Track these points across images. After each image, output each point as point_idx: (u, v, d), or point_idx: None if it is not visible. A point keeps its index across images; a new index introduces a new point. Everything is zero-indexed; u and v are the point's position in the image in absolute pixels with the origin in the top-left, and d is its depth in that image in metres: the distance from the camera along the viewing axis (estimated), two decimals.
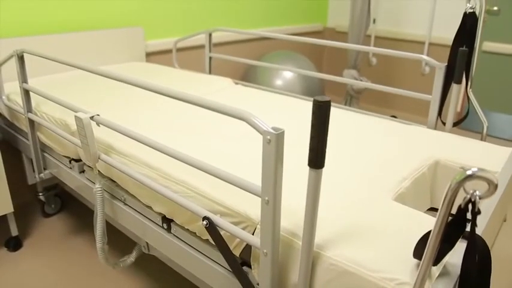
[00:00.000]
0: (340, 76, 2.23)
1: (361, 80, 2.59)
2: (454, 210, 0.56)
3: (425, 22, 2.81)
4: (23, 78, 1.32)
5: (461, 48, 1.17)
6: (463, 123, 1.29)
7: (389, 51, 1.38)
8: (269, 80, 2.52)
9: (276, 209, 0.68)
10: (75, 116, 1.03)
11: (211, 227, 0.80)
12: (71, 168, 1.34)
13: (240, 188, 0.72)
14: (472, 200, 0.53)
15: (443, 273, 0.61)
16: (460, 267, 0.60)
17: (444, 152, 1.10)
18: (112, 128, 1.00)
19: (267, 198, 0.67)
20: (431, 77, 2.86)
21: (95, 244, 1.65)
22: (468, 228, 0.58)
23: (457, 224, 0.57)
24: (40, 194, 1.77)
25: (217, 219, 0.80)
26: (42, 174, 1.46)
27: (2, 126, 1.68)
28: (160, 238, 1.05)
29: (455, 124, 1.27)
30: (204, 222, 0.80)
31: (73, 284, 1.45)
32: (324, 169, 0.96)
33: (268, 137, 0.63)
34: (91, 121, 1.04)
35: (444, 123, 1.30)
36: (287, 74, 2.57)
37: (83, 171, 1.31)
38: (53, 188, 1.81)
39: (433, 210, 1.12)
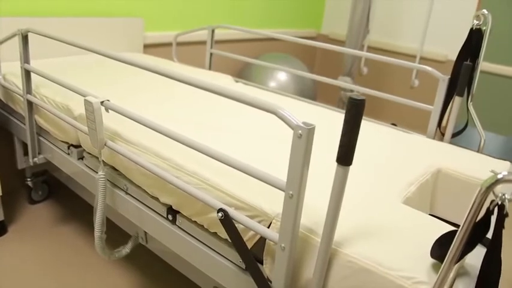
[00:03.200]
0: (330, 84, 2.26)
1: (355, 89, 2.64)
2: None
3: (418, 36, 2.89)
4: (25, 59, 1.29)
5: (465, 63, 1.22)
6: (455, 139, 1.33)
7: (394, 61, 1.41)
8: (263, 81, 2.54)
9: (299, 204, 0.68)
10: (85, 100, 1.01)
11: (227, 220, 0.80)
12: (69, 154, 1.31)
13: (263, 181, 0.72)
14: (499, 203, 0.55)
15: (462, 274, 0.64)
16: (476, 268, 0.62)
17: (445, 161, 1.14)
18: (123, 114, 0.98)
19: (291, 192, 0.68)
20: (419, 90, 2.94)
21: (81, 234, 1.62)
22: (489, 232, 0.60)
23: (481, 227, 0.59)
24: (28, 179, 1.72)
25: (232, 211, 0.80)
26: (36, 159, 1.42)
27: None
28: (163, 230, 1.04)
29: (453, 135, 1.32)
30: (220, 214, 0.80)
31: (56, 272, 1.42)
32: (333, 170, 0.97)
33: (300, 131, 0.64)
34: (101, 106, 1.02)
35: (443, 134, 1.34)
36: (281, 76, 2.58)
37: (81, 158, 1.29)
38: (41, 174, 1.77)
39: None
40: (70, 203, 1.82)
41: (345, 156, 0.63)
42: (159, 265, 1.51)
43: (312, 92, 2.69)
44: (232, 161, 0.77)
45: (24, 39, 1.27)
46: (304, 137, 0.64)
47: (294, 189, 0.67)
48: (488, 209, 0.56)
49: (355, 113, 0.61)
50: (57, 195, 1.86)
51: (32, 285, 1.35)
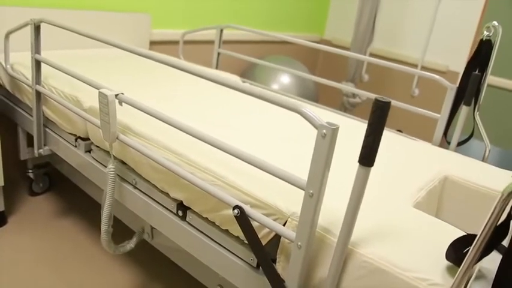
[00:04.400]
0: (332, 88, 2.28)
1: (356, 94, 2.66)
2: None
3: (420, 46, 2.92)
4: (37, 49, 1.28)
5: (474, 73, 1.24)
6: (459, 148, 1.35)
7: (402, 68, 1.43)
8: (266, 83, 2.55)
9: (318, 203, 0.69)
10: (100, 92, 1.01)
11: (242, 217, 0.80)
12: (76, 146, 1.31)
13: (283, 179, 0.73)
14: None
15: (478, 277, 0.65)
16: (490, 271, 0.64)
17: (452, 169, 1.15)
18: (138, 107, 0.98)
19: (311, 191, 0.69)
20: (419, 100, 2.97)
21: (80, 227, 1.61)
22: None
23: (499, 231, 0.60)
24: (30, 171, 1.71)
25: (248, 209, 0.81)
26: (41, 150, 1.41)
27: None
28: (172, 225, 1.04)
29: (459, 144, 1.34)
30: (236, 211, 0.80)
31: (55, 265, 1.41)
32: (347, 175, 0.98)
33: (324, 131, 0.65)
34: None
35: (448, 142, 1.36)
36: (284, 79, 2.60)
37: (89, 151, 1.28)
38: (43, 166, 1.75)
39: None
40: (71, 196, 1.81)
41: (368, 157, 0.64)
42: (160, 262, 1.50)
43: (313, 96, 2.71)
44: (254, 159, 0.77)
45: (37, 29, 1.27)
46: (328, 137, 0.65)
47: (315, 188, 0.68)
48: (509, 214, 0.57)
49: (380, 114, 0.62)
50: (58, 188, 1.85)
51: (29, 277, 1.34)
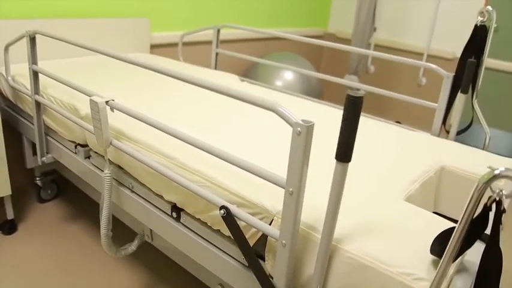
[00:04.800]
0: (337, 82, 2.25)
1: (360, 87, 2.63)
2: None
3: (425, 34, 2.87)
4: (33, 60, 1.31)
5: (469, 60, 1.21)
6: (464, 136, 1.33)
7: (399, 59, 1.41)
8: (269, 80, 2.54)
9: (299, 200, 0.69)
10: (91, 100, 1.03)
11: (229, 217, 0.80)
12: (75, 153, 1.33)
13: (264, 178, 0.73)
14: (497, 199, 0.55)
15: (461, 270, 0.64)
16: (476, 264, 0.62)
17: (449, 159, 1.13)
18: (128, 113, 1.00)
19: (291, 189, 0.69)
20: (427, 88, 2.92)
21: (89, 232, 1.64)
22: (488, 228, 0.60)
23: (479, 223, 0.59)
24: (37, 178, 1.75)
25: (234, 209, 0.81)
26: (44, 158, 1.44)
27: (2, 107, 1.66)
28: (167, 227, 1.05)
29: (458, 133, 1.31)
30: (222, 212, 0.81)
31: (65, 269, 1.44)
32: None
33: (299, 128, 0.65)
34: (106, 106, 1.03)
35: (447, 132, 1.33)
36: (288, 76, 2.58)
37: (88, 157, 1.31)
38: (50, 174, 1.79)
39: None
40: (79, 201, 1.84)
41: (344, 153, 0.64)
42: (166, 262, 1.52)
43: (318, 91, 2.69)
44: (233, 158, 0.77)
45: (32, 40, 1.30)
46: (303, 134, 0.64)
47: (294, 186, 0.68)
48: (485, 205, 0.56)
49: (353, 110, 0.61)
50: (66, 194, 1.89)
51: (41, 283, 1.37)
